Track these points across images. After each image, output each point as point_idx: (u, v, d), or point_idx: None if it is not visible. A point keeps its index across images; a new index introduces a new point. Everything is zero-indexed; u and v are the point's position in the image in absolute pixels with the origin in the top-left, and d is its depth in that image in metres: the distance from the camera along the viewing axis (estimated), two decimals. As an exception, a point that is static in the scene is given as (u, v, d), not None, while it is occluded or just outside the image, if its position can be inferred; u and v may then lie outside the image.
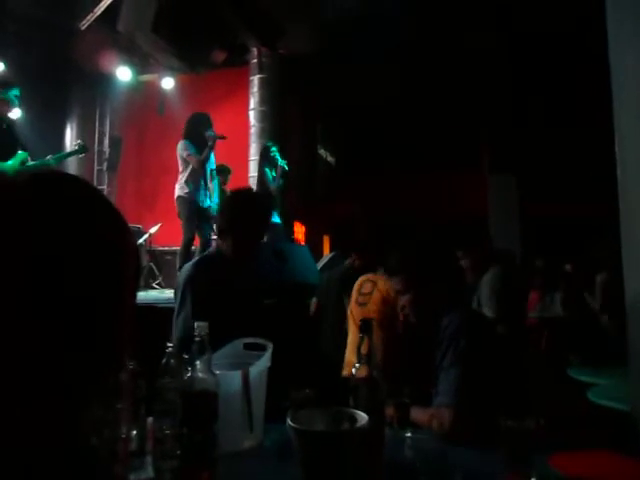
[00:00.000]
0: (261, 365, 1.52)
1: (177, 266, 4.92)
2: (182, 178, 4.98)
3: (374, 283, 2.33)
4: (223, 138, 6.37)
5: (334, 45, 7.11)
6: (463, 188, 9.39)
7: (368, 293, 2.19)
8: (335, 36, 6.87)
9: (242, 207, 2.36)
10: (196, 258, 2.77)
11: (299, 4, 6.93)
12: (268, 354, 1.55)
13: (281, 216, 5.81)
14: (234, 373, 1.46)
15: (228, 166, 6.34)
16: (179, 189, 4.99)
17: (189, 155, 4.93)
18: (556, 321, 4.37)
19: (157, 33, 5.95)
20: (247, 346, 1.67)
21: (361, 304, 2.16)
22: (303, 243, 7.62)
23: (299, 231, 7.69)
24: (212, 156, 5.12)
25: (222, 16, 6.98)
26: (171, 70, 7.99)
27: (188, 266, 2.35)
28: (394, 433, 1.53)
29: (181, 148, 4.98)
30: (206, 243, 5.02)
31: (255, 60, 8.02)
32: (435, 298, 1.72)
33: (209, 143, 5.00)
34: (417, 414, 1.59)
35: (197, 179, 4.95)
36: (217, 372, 1.45)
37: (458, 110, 8.05)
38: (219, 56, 8.11)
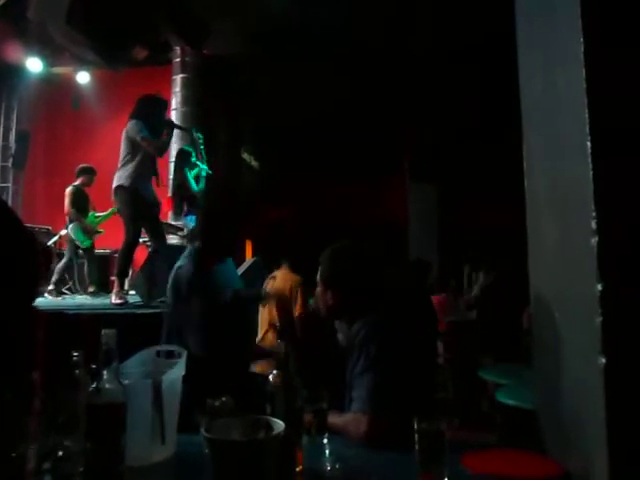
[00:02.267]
0: (174, 373, 1.46)
1: (117, 270, 4.13)
2: (128, 165, 4.06)
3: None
4: (185, 129, 6.01)
5: (259, 46, 7.07)
6: (386, 195, 9.65)
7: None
8: (261, 37, 6.82)
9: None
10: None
11: (225, 4, 6.83)
12: (182, 362, 1.49)
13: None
14: (144, 382, 1.38)
15: (92, 167, 6.12)
16: (122, 178, 4.05)
17: (144, 138, 4.01)
18: (467, 324, 4.58)
19: (71, 25, 5.63)
20: (161, 354, 1.60)
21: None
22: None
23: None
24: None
25: (144, 12, 6.74)
26: (87, 64, 7.60)
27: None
28: (311, 440, 1.52)
29: (133, 130, 4.04)
30: (158, 244, 4.33)
31: (178, 59, 7.81)
32: (346, 301, 1.75)
33: (169, 131, 4.29)
34: (334, 420, 1.58)
35: (146, 168, 4.13)
36: (126, 382, 1.37)
37: (383, 116, 8.23)
38: (139, 53, 7.83)
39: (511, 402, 2.16)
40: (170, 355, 1.55)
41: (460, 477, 1.27)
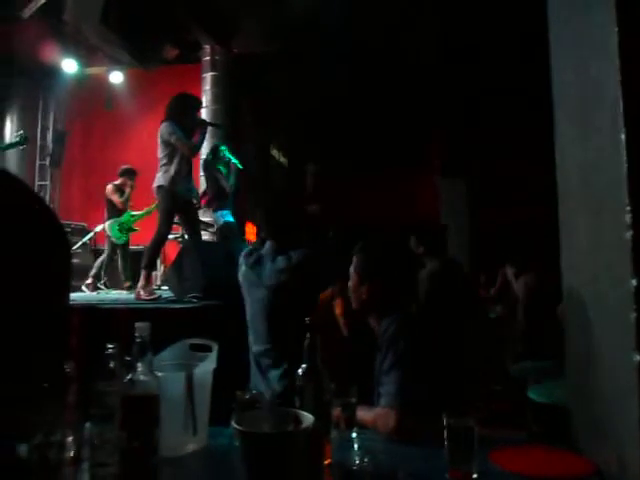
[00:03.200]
0: (206, 366, 1.49)
1: (143, 264, 4.16)
2: (166, 166, 4.21)
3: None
4: (218, 127, 6.07)
5: (288, 45, 7.09)
6: (418, 192, 9.57)
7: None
8: (289, 36, 6.85)
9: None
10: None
11: (254, 3, 6.88)
12: (214, 355, 1.52)
13: (234, 215, 5.74)
14: (177, 375, 1.42)
15: (134, 169, 6.22)
16: (161, 179, 4.21)
17: (178, 139, 4.15)
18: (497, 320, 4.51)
19: (106, 25, 5.76)
20: (193, 347, 1.63)
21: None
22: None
23: (251, 232, 7.62)
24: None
25: (175, 12, 6.84)
26: (120, 64, 7.76)
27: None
28: (340, 434, 1.53)
29: (166, 131, 4.18)
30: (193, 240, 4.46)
31: (208, 58, 7.90)
32: (382, 298, 1.75)
33: (202, 129, 4.35)
34: (363, 414, 1.59)
35: (184, 168, 4.25)
36: (160, 374, 1.41)
37: (411, 112, 8.16)
38: (171, 52, 7.95)
39: (544, 400, 2.13)
40: (202, 348, 1.58)
41: (489, 474, 1.26)
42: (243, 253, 2.64)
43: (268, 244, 2.57)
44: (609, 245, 1.20)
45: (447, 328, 3.22)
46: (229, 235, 5.49)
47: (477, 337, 3.32)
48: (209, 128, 4.87)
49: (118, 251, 6.12)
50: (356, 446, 1.53)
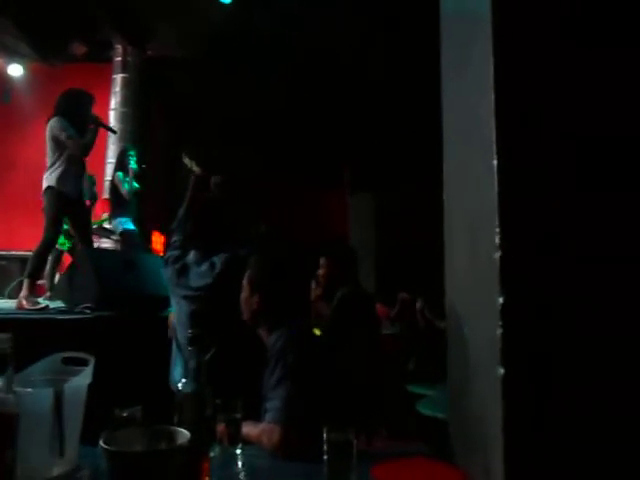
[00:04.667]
0: (79, 381, 1.39)
1: (27, 272, 3.83)
2: (54, 165, 3.91)
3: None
4: (112, 131, 5.73)
5: (205, 52, 6.99)
6: (329, 206, 9.70)
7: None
8: (207, 43, 6.75)
9: None
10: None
11: (171, 6, 6.72)
12: (89, 370, 1.43)
13: (136, 223, 5.50)
14: (44, 391, 1.31)
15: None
16: (49, 179, 3.90)
17: (69, 137, 3.87)
18: (393, 337, 4.67)
19: (3, 13, 5.36)
20: (68, 360, 1.53)
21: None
22: (162, 254, 7.28)
23: (157, 241, 7.34)
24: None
25: (85, 6, 6.52)
26: (19, 56, 7.25)
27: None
28: (223, 450, 1.49)
29: (57, 127, 3.89)
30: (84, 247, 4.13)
31: (120, 58, 7.59)
32: (265, 309, 1.74)
33: (94, 128, 4.09)
34: (248, 430, 1.56)
35: (75, 168, 3.99)
36: (26, 390, 1.30)
37: (324, 125, 8.26)
38: (78, 49, 7.56)
39: (430, 413, 2.21)
40: (77, 362, 1.48)
41: (369, 488, 1.28)
42: (169, 259, 2.56)
43: (192, 252, 2.54)
44: (482, 264, 1.27)
45: (348, 348, 3.32)
46: (131, 243, 5.26)
47: (373, 356, 3.44)
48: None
49: (51, 257, 5.59)
50: (240, 463, 1.50)
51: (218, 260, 2.46)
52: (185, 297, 2.44)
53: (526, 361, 1.16)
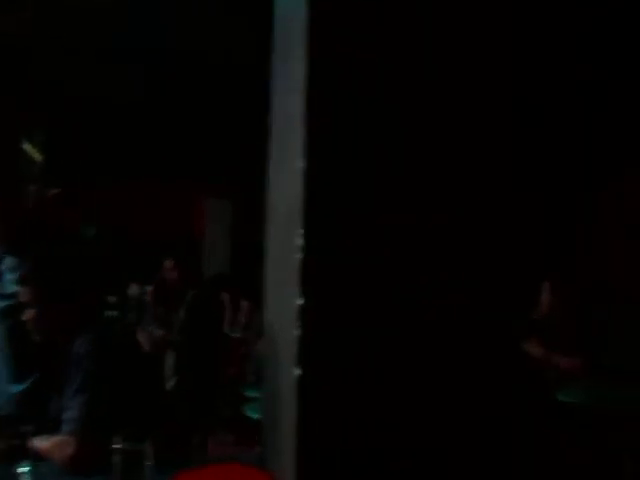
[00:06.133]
0: None
1: None
2: None
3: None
4: None
5: (46, 30, 6.34)
6: (187, 205, 9.35)
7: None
8: (48, 21, 6.13)
9: None
10: None
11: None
12: None
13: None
14: None
15: None
16: None
17: None
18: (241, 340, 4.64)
19: None
20: None
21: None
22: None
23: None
24: None
25: None
26: None
27: None
28: (2, 468, 1.32)
29: None
30: None
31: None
32: (62, 317, 1.57)
33: None
34: (39, 444, 1.40)
35: None
36: None
37: (189, 124, 7.94)
38: None
39: (255, 415, 2.19)
40: None
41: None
42: None
43: (7, 259, 2.25)
44: (286, 264, 1.27)
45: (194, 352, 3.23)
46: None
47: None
48: None
49: None
50: (24, 481, 1.34)
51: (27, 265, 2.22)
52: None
53: (322, 363, 1.17)
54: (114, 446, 1.18)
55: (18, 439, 1.36)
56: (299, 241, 1.19)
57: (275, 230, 1.52)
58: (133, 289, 4.68)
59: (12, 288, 2.22)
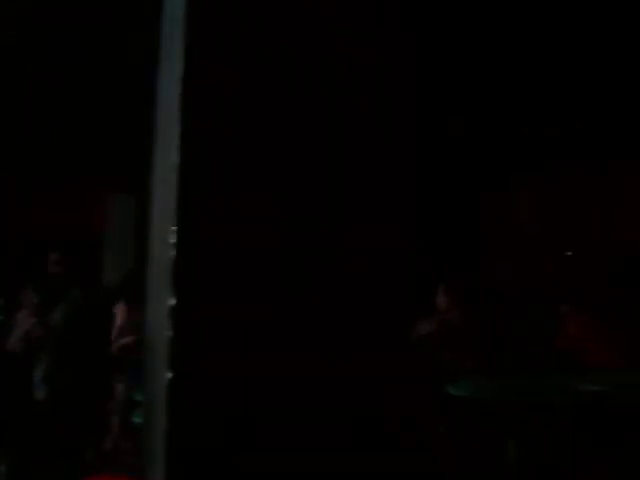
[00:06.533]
0: None
1: None
2: None
3: None
4: None
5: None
6: (87, 203, 8.85)
7: None
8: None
9: None
10: None
11: None
12: None
13: None
14: None
15: None
16: None
17: None
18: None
19: None
20: None
21: None
22: None
23: None
24: None
25: None
26: None
27: None
28: None
29: None
30: None
31: None
32: None
33: None
34: None
35: None
36: None
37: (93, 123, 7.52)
38: None
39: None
40: None
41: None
42: None
43: None
44: (162, 263, 1.22)
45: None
46: None
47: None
48: None
49: None
50: None
51: None
52: None
53: (193, 367, 1.13)
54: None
55: None
56: (172, 239, 1.14)
57: (153, 227, 1.45)
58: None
59: None
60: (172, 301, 1.13)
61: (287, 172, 1.25)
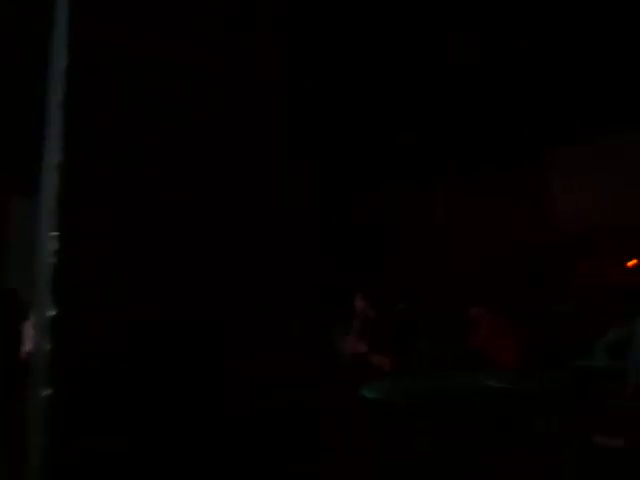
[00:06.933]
0: None
1: None
2: None
3: None
4: None
5: None
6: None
7: None
8: None
9: None
10: None
11: None
12: None
13: None
14: None
15: None
16: None
17: None
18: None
19: None
20: None
21: None
22: None
23: None
24: None
25: None
26: None
27: None
28: None
29: None
30: None
31: None
32: None
33: None
34: None
35: None
36: None
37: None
38: None
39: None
40: None
41: None
42: None
43: None
44: (41, 270, 1.14)
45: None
46: None
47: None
48: None
49: None
50: None
51: None
52: None
53: (77, 382, 1.05)
54: None
55: None
56: (54, 244, 1.07)
57: (39, 232, 1.36)
58: None
59: None
60: (52, 312, 1.05)
61: (184, 172, 1.20)
